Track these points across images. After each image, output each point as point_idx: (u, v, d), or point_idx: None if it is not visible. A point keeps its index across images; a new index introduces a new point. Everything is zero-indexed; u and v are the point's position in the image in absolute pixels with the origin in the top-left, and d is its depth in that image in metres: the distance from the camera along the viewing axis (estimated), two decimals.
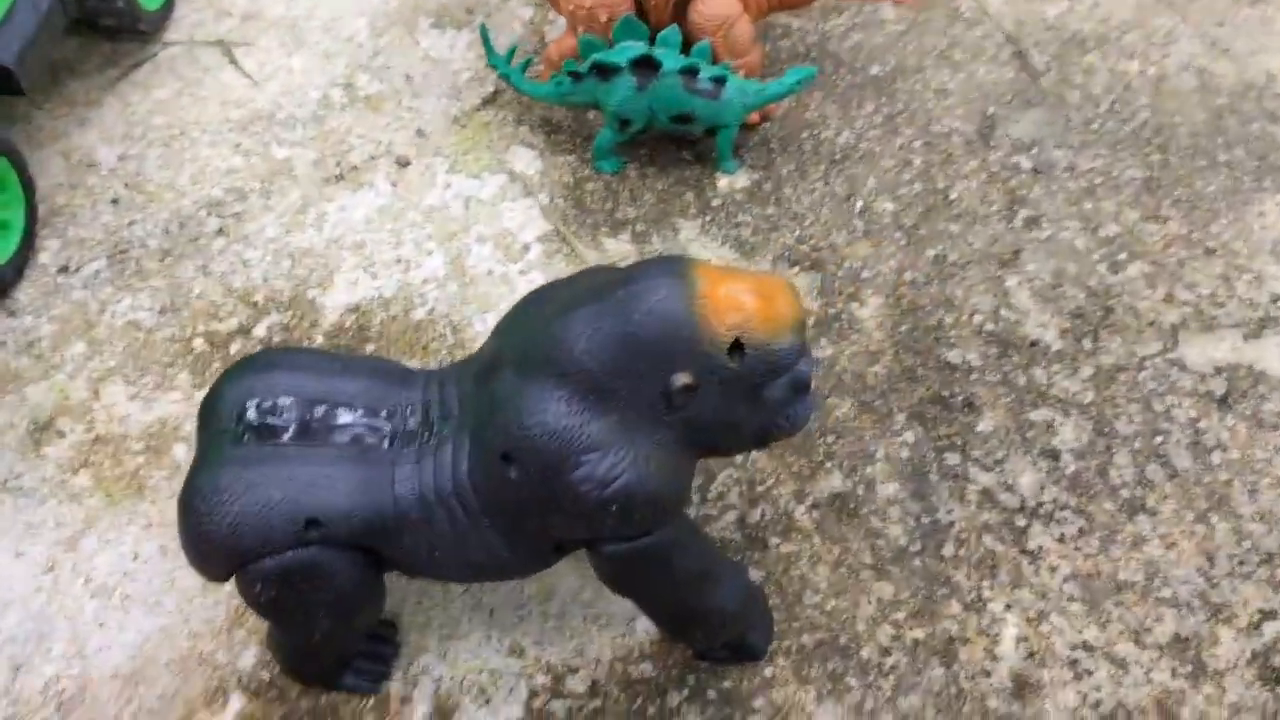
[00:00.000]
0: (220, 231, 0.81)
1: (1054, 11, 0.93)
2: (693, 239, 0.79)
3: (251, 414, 0.51)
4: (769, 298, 0.46)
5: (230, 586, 0.53)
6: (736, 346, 0.46)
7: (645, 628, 0.61)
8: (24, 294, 0.77)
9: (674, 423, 0.47)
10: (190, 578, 0.63)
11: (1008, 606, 0.62)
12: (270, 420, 0.51)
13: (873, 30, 0.92)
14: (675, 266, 0.47)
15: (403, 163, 0.84)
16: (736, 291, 0.46)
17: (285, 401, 0.51)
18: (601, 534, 0.49)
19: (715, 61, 0.79)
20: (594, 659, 0.61)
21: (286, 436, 0.51)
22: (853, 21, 0.92)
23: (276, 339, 0.74)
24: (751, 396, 0.47)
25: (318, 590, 0.51)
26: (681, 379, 0.46)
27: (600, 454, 0.46)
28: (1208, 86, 0.88)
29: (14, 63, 0.77)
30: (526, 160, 0.84)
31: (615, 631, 0.62)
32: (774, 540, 0.65)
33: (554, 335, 0.46)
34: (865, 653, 0.61)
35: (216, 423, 0.51)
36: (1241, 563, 0.63)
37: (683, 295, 0.45)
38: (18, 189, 0.77)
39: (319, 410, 0.51)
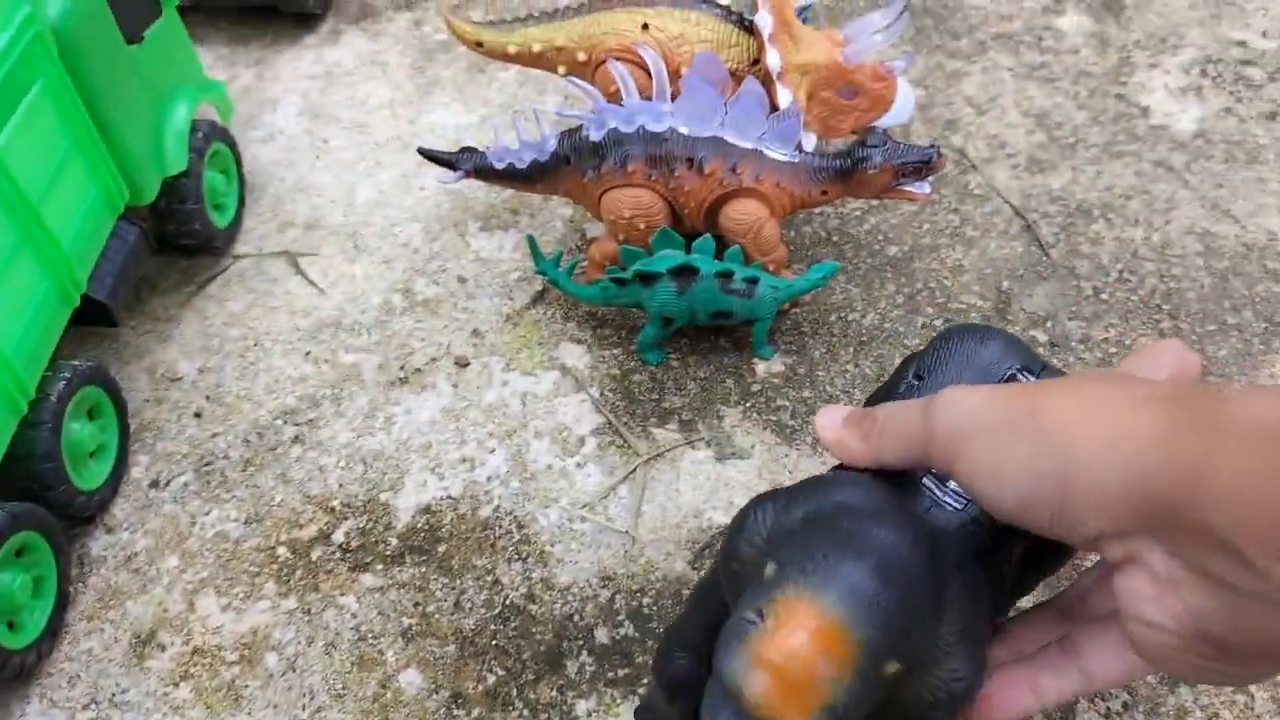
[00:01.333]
0: (296, 439, 0.87)
1: (1058, 183, 1.00)
2: (736, 425, 0.85)
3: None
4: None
5: None
6: None
7: None
8: (120, 510, 0.84)
9: None
10: None
11: None
12: None
13: (888, 212, 0.99)
14: None
15: (462, 363, 0.91)
16: None
17: None
18: None
19: (746, 262, 0.86)
20: None
21: None
22: (868, 205, 0.99)
23: (355, 544, 0.80)
24: None
25: None
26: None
27: None
28: (1211, 249, 0.93)
29: (109, 297, 0.85)
30: (576, 355, 0.90)
31: None
32: None
33: None
34: None
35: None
36: None
37: None
38: (113, 414, 0.84)
39: None
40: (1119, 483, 0.39)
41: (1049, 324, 0.89)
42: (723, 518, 0.78)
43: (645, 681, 0.71)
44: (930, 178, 0.84)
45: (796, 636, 0.43)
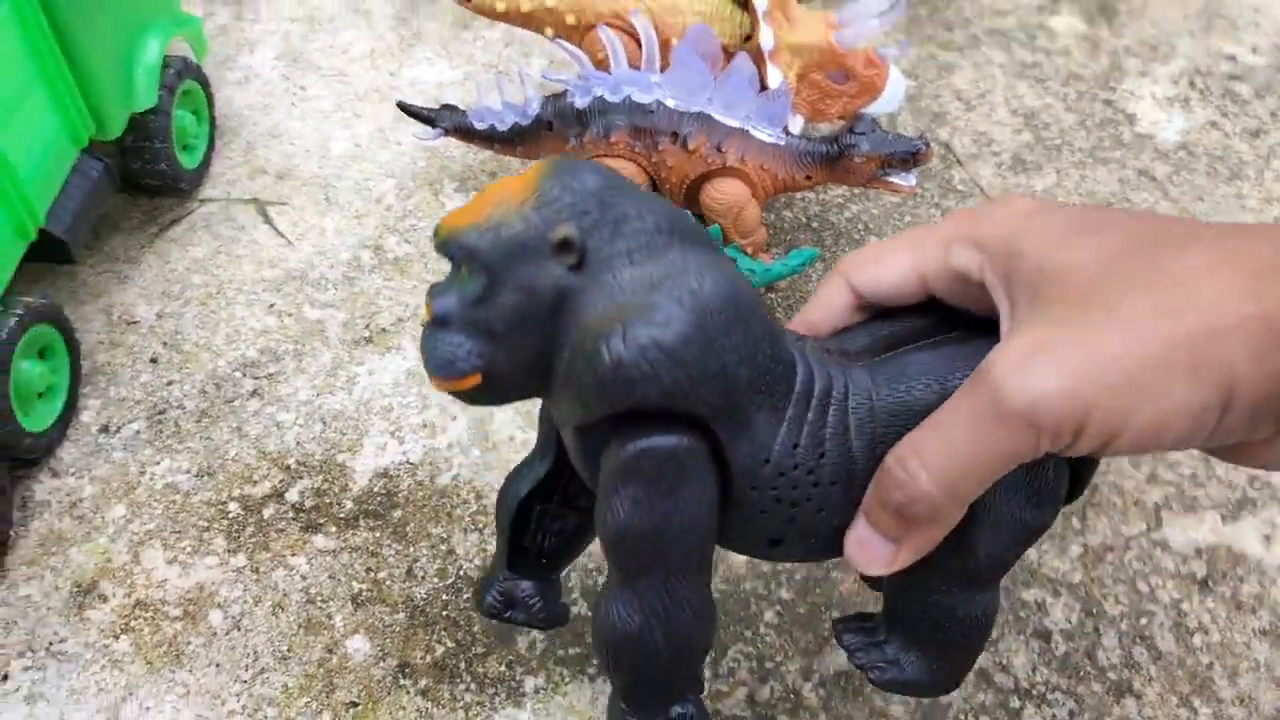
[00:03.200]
0: (254, 393, 0.85)
1: (1041, 184, 0.99)
2: None
3: None
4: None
5: None
6: None
7: None
8: (67, 454, 0.81)
9: None
10: None
11: None
12: None
13: (869, 202, 0.98)
14: None
15: None
16: None
17: None
18: None
19: (725, 243, 0.84)
20: None
21: None
22: (850, 193, 0.98)
23: (308, 504, 0.78)
24: None
25: None
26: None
27: None
28: None
29: (67, 234, 0.82)
30: None
31: None
32: (783, 718, 0.69)
33: None
34: None
35: None
36: None
37: None
38: (65, 355, 0.82)
39: None
40: None
41: None
42: None
43: (595, 661, 0.70)
44: (916, 170, 0.83)
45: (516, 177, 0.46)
